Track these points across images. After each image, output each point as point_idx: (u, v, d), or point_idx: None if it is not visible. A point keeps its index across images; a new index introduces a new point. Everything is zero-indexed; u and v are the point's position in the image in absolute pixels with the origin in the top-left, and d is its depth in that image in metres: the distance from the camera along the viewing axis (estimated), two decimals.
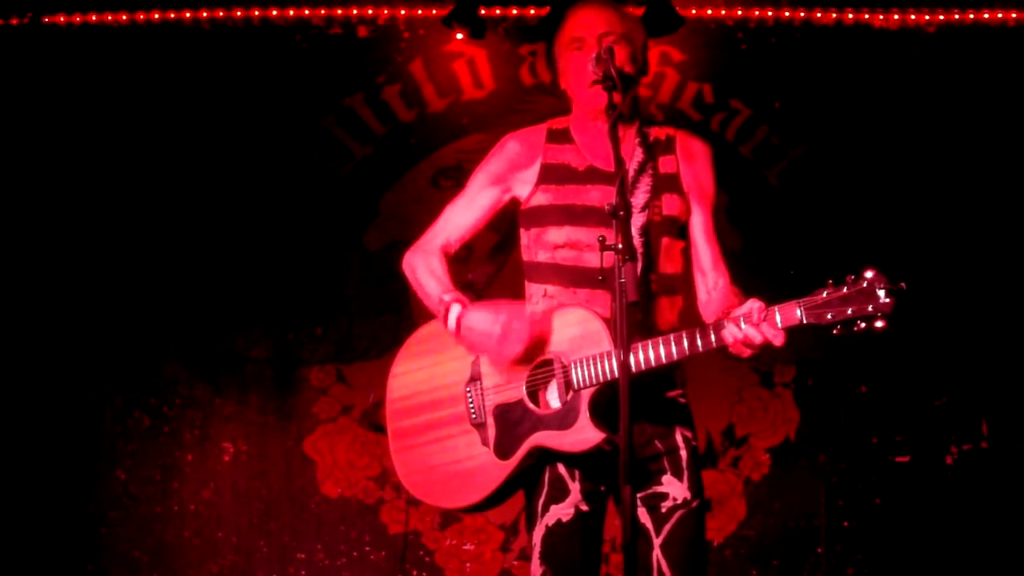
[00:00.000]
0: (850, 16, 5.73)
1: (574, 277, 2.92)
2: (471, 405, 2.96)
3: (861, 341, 5.57)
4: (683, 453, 2.92)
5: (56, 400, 5.56)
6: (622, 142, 2.91)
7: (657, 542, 2.85)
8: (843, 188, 5.68)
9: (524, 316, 2.85)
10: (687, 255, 3.04)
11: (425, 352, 3.06)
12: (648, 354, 2.73)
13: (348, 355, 5.66)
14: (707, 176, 3.04)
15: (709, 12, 5.73)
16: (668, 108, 5.75)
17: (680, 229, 3.00)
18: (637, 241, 2.85)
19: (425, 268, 3.05)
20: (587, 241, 2.90)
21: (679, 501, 2.87)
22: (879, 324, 2.52)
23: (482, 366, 2.95)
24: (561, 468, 2.89)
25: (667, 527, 2.85)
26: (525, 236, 3.06)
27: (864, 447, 5.59)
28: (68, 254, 5.62)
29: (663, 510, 2.87)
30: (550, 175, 3.00)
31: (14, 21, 5.64)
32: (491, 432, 2.91)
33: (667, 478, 2.88)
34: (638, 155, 2.97)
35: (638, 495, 2.85)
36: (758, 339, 2.62)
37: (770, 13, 5.74)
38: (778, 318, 2.60)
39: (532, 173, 3.02)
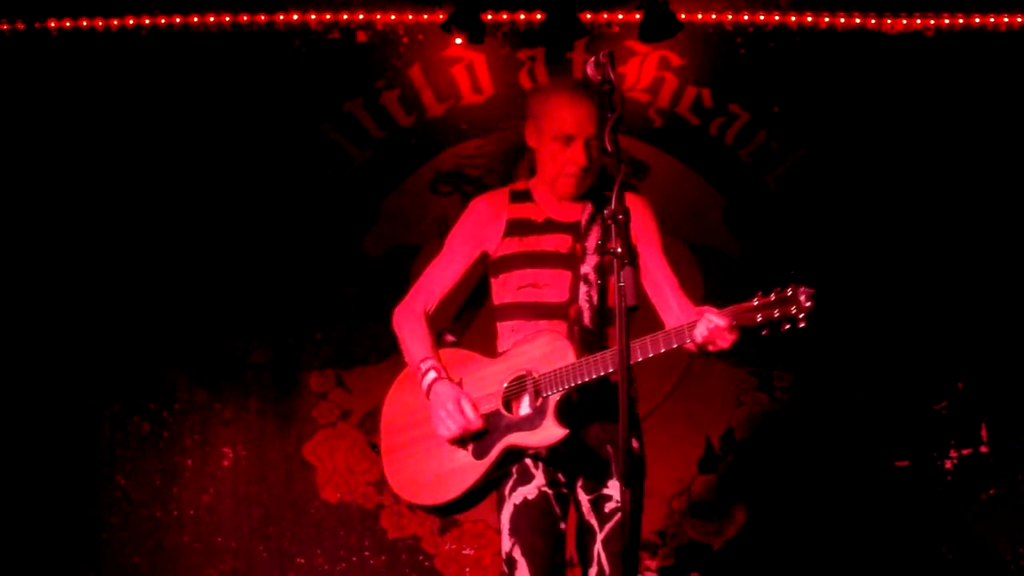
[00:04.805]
0: (848, 20, 5.74)
1: (535, 311, 3.34)
2: None
3: (862, 345, 5.62)
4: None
5: (56, 405, 5.56)
6: (576, 203, 3.41)
7: (599, 537, 3.25)
8: (842, 192, 5.68)
9: (465, 409, 3.23)
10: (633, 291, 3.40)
11: (414, 382, 3.40)
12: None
13: (347, 360, 5.67)
14: (650, 225, 3.46)
15: (709, 16, 5.73)
16: (667, 112, 5.76)
17: None
18: (592, 276, 3.35)
19: (410, 331, 3.44)
20: (545, 281, 3.36)
21: (619, 504, 3.18)
22: (802, 325, 2.90)
23: (464, 386, 3.33)
24: (528, 460, 3.28)
25: (608, 525, 3.24)
26: (494, 284, 3.47)
27: (863, 451, 5.59)
28: (67, 260, 5.62)
29: (606, 510, 3.25)
30: (514, 228, 3.43)
31: (5, 26, 5.63)
32: (470, 438, 3.27)
33: (612, 483, 3.27)
34: (588, 208, 3.41)
35: (587, 496, 3.28)
36: (721, 336, 3.02)
37: (770, 17, 5.74)
38: (715, 319, 2.98)
39: (499, 229, 3.44)
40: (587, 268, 3.33)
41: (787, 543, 5.55)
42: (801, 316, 2.88)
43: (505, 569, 3.27)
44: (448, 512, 3.43)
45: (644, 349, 3.08)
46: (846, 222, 5.65)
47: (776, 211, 5.71)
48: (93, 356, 5.60)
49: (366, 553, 5.58)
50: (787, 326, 2.91)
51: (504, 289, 3.43)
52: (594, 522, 3.27)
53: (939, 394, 5.61)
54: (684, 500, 5.60)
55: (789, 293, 2.91)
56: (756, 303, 2.96)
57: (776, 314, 2.92)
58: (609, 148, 2.84)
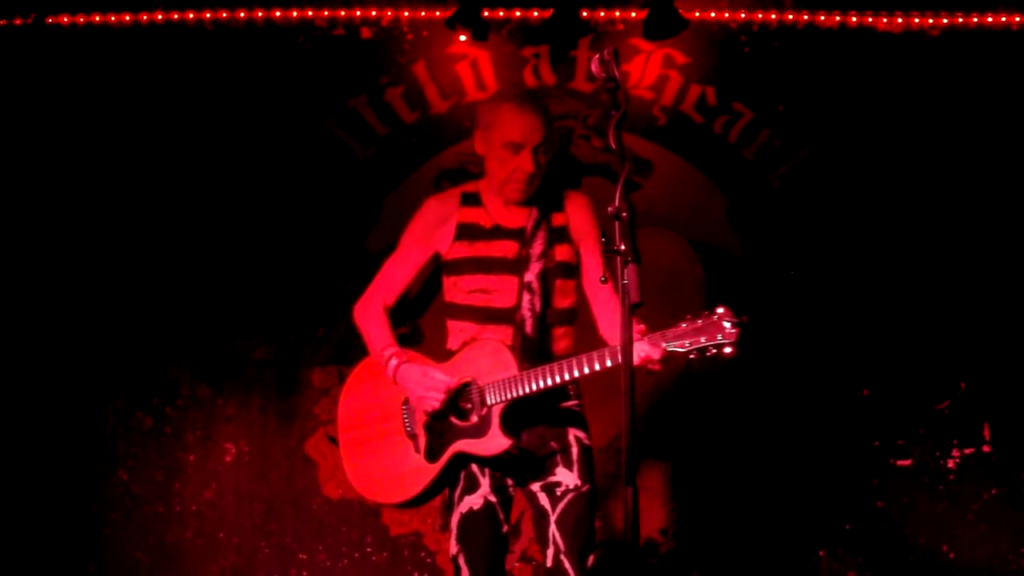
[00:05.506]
0: (853, 19, 5.73)
1: (484, 316, 3.56)
2: (406, 420, 3.59)
3: (865, 345, 5.62)
4: (574, 450, 3.56)
5: (58, 400, 5.57)
6: (523, 208, 3.60)
7: (552, 519, 3.49)
8: (846, 191, 5.67)
9: (439, 381, 3.45)
10: (577, 292, 3.66)
11: (369, 378, 3.71)
12: (551, 377, 3.33)
13: (350, 356, 5.64)
14: (590, 223, 3.64)
15: (712, 15, 5.73)
16: (671, 111, 5.75)
17: (571, 271, 3.63)
18: (536, 284, 3.53)
19: (370, 323, 3.69)
20: (495, 287, 3.56)
21: (570, 487, 3.51)
22: (728, 350, 3.01)
23: None
24: (474, 466, 3.54)
25: (560, 506, 3.49)
26: (446, 282, 3.68)
27: (866, 450, 5.59)
28: (71, 255, 5.63)
29: (557, 493, 3.51)
30: (464, 233, 3.62)
31: (17, 21, 5.65)
32: (422, 442, 3.54)
33: (560, 470, 3.52)
34: (534, 214, 3.60)
35: (538, 484, 3.52)
36: (651, 363, 3.19)
37: (773, 16, 5.74)
38: (647, 347, 3.14)
39: (449, 231, 3.63)
40: (530, 276, 3.53)
41: (788, 543, 5.55)
42: (726, 343, 3.00)
43: (451, 567, 3.56)
44: (404, 508, 3.71)
45: (580, 366, 3.27)
46: (849, 221, 5.64)
47: (779, 210, 5.70)
48: (96, 351, 5.61)
49: (368, 550, 5.59)
50: (712, 351, 3.05)
51: (455, 290, 3.63)
52: (547, 506, 3.50)
53: (942, 394, 5.60)
54: (685, 500, 5.60)
55: (714, 319, 3.03)
56: (684, 326, 3.09)
57: (702, 341, 3.04)
58: (613, 146, 2.86)
